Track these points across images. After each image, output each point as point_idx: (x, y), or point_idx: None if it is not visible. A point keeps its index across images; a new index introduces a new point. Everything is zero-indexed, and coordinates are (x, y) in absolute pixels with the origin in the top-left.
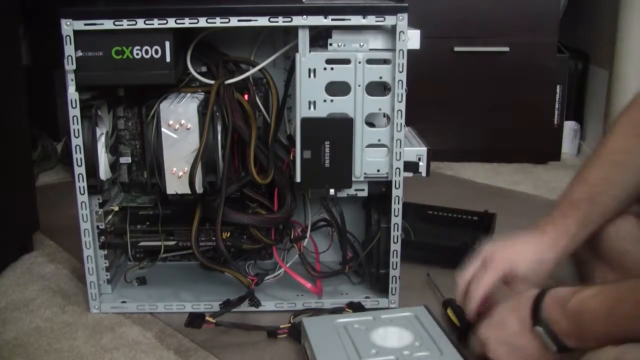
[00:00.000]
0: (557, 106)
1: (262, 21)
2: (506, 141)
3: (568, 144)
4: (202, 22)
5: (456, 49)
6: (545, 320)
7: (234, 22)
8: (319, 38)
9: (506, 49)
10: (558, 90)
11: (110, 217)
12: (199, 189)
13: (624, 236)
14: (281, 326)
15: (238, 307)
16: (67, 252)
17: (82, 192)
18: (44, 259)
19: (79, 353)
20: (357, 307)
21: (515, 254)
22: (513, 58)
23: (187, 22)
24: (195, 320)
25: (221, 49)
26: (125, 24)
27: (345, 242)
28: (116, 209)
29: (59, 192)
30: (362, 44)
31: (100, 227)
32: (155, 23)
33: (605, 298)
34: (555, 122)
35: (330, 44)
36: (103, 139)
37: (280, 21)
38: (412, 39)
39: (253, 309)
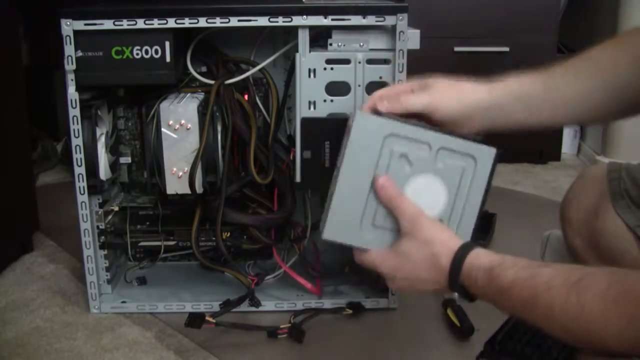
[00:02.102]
0: None
1: (262, 21)
2: (506, 141)
3: (568, 144)
4: (202, 22)
5: (456, 49)
6: (463, 287)
7: (234, 22)
8: (319, 38)
9: (506, 49)
10: None
11: (110, 217)
12: (199, 189)
13: (624, 235)
14: (281, 326)
15: (238, 307)
16: (67, 252)
17: (82, 192)
18: (44, 259)
19: (79, 353)
20: (357, 307)
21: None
22: (513, 58)
23: (187, 22)
24: (195, 320)
25: (221, 49)
26: (125, 24)
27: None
28: (116, 209)
29: (59, 192)
30: (362, 44)
31: (100, 227)
32: (155, 23)
33: (524, 290)
34: None
35: (330, 44)
36: (103, 139)
37: (280, 21)
38: (412, 39)
39: (253, 309)
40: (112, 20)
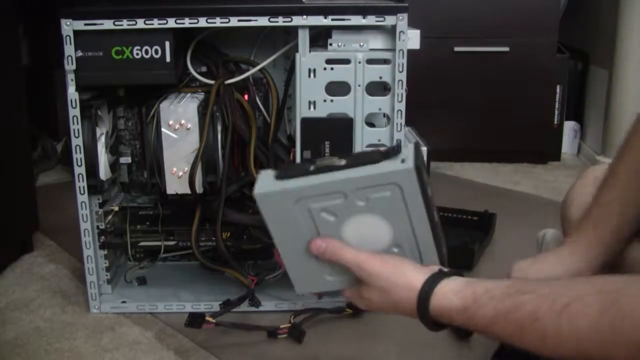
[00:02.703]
0: (557, 106)
1: (262, 21)
2: (506, 141)
3: (568, 144)
4: (202, 22)
5: (456, 49)
6: (445, 325)
7: (234, 22)
8: (319, 38)
9: (506, 49)
10: (558, 90)
11: (110, 217)
12: (199, 189)
13: (635, 246)
14: (281, 326)
15: (238, 307)
16: (67, 252)
17: (82, 192)
18: (44, 259)
19: (79, 353)
20: (357, 307)
21: (544, 273)
22: (513, 58)
23: (187, 22)
24: (195, 320)
25: (221, 49)
26: (125, 24)
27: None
28: (116, 209)
29: (59, 192)
30: (362, 44)
31: (100, 227)
32: (155, 23)
33: (509, 325)
34: (555, 122)
35: (330, 44)
36: (103, 139)
37: (280, 21)
38: (412, 39)
39: (253, 309)
40: (112, 20)
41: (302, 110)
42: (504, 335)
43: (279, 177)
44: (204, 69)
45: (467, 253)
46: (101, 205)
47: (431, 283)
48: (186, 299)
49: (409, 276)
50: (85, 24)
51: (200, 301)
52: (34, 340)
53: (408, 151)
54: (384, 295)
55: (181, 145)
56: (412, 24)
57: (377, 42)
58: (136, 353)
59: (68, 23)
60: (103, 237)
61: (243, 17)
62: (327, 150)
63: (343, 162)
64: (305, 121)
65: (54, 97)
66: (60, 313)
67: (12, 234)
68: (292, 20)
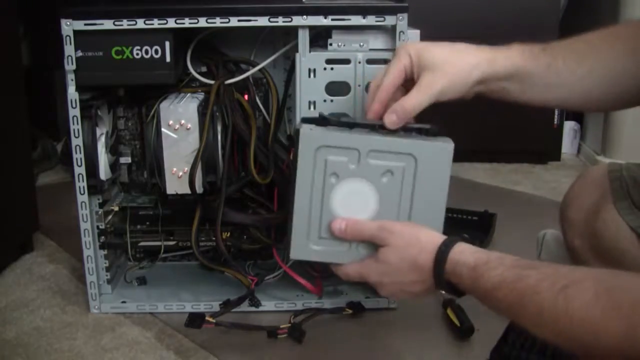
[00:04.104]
0: None
1: (262, 21)
2: (506, 141)
3: (568, 144)
4: (202, 22)
5: None
6: (450, 283)
7: (234, 22)
8: (319, 38)
9: None
10: None
11: (110, 217)
12: (199, 189)
13: (625, 236)
14: (281, 326)
15: (238, 307)
16: (67, 252)
17: (82, 192)
18: (44, 259)
19: (79, 353)
20: (357, 307)
21: (428, 47)
22: None
23: (187, 22)
24: (195, 320)
25: (221, 49)
26: (125, 24)
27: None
28: (116, 209)
29: (59, 192)
30: (362, 44)
31: (100, 227)
32: (155, 23)
33: (511, 293)
34: (555, 122)
35: (330, 44)
36: (103, 139)
37: (280, 21)
38: (412, 39)
39: (253, 309)
40: (112, 20)
41: (302, 110)
42: (505, 302)
43: (319, 123)
44: (204, 69)
45: None
46: (101, 205)
47: (452, 240)
48: (186, 299)
49: (430, 234)
50: (85, 24)
51: (200, 301)
52: (34, 340)
53: (449, 139)
54: (404, 252)
55: (181, 145)
56: (412, 24)
57: (377, 42)
58: (136, 353)
59: (68, 23)
60: (103, 237)
61: (243, 17)
62: None
63: (391, 130)
64: (305, 121)
65: (54, 97)
66: (60, 313)
67: (12, 234)
68: (292, 20)
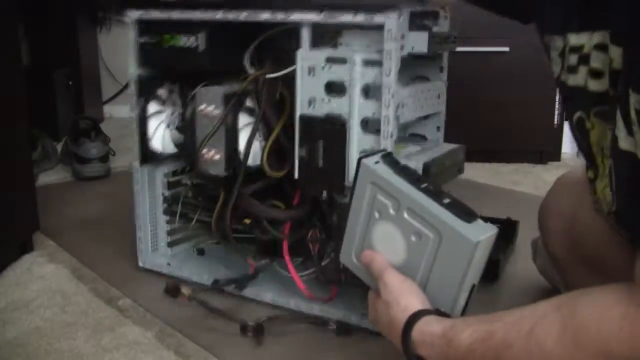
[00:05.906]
0: (557, 106)
1: (265, 16)
2: (506, 141)
3: (568, 144)
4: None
5: (456, 49)
6: (420, 356)
7: (242, 16)
8: (325, 36)
9: (506, 49)
10: (558, 90)
11: (176, 189)
12: (220, 172)
13: (606, 241)
14: (249, 323)
15: (240, 292)
16: (67, 252)
17: (135, 157)
18: (44, 259)
19: (79, 353)
20: (342, 326)
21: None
22: (513, 58)
23: (220, 15)
24: (172, 289)
25: (292, 46)
26: (173, 16)
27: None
28: (185, 181)
29: (59, 192)
30: (369, 44)
31: (165, 194)
32: (196, 15)
33: (487, 352)
34: (555, 122)
35: (341, 44)
36: (164, 116)
37: (282, 18)
38: (419, 41)
39: (252, 297)
40: (164, 11)
41: (302, 108)
42: None
43: (379, 162)
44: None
45: (491, 263)
46: (167, 175)
47: (422, 312)
48: (212, 272)
49: (411, 302)
50: (142, 14)
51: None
52: (34, 340)
53: (489, 228)
54: (387, 310)
55: (209, 128)
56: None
57: (377, 42)
58: (136, 353)
59: (131, 13)
60: (165, 204)
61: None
62: (320, 150)
63: (440, 197)
64: (303, 119)
65: (54, 97)
66: (60, 313)
67: (12, 234)
68: (291, 16)
